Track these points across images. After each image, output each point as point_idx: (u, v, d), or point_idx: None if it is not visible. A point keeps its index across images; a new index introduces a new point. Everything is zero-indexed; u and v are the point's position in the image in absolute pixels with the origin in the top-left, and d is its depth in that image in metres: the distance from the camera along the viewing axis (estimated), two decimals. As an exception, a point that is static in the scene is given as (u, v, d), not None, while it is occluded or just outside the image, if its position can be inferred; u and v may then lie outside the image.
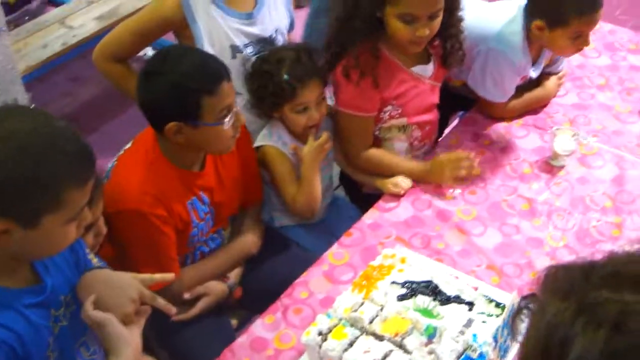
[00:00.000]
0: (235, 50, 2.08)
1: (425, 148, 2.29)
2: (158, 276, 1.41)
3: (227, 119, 1.71)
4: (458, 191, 2.16)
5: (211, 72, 1.69)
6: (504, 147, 2.33)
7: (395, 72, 2.09)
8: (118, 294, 1.33)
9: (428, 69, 2.15)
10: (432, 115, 2.29)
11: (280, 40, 2.17)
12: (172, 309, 1.40)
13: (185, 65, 1.67)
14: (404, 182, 2.14)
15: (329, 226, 2.25)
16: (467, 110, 2.51)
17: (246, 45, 2.09)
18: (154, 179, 1.75)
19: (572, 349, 0.73)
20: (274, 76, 2.02)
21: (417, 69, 2.13)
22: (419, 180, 2.15)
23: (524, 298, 0.84)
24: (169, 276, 1.45)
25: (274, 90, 2.04)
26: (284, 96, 2.04)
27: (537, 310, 0.79)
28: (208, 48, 2.02)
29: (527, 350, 0.79)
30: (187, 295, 1.93)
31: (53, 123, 1.22)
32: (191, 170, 1.84)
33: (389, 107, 2.13)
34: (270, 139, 2.12)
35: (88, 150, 1.25)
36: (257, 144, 2.12)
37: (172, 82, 1.66)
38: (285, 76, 1.99)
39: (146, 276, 1.39)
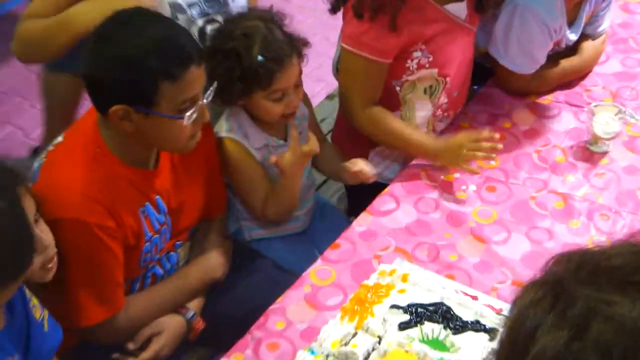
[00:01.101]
0: (176, 9, 2.05)
1: (445, 122, 2.31)
2: None
3: (188, 114, 1.69)
4: (473, 187, 2.13)
5: (178, 51, 1.66)
6: (530, 130, 2.31)
7: (425, 7, 2.07)
8: None
9: (462, 8, 2.14)
10: (466, 73, 2.27)
11: (235, 1, 2.16)
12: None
13: (147, 37, 1.64)
14: (367, 166, 2.11)
15: (311, 237, 2.25)
16: (481, 84, 2.49)
17: (191, 5, 2.07)
18: (97, 179, 1.73)
19: (536, 344, 0.82)
20: (242, 57, 1.97)
21: (451, 7, 2.12)
22: (427, 159, 2.16)
23: None
24: None
25: (243, 75, 1.97)
26: (258, 82, 1.98)
27: (518, 294, 0.88)
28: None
29: (501, 336, 0.89)
30: (131, 346, 1.87)
31: None
32: (144, 168, 1.83)
33: (418, 54, 2.12)
34: (230, 131, 2.08)
35: None
36: (218, 134, 2.10)
37: (126, 55, 1.63)
38: (260, 57, 1.96)
39: None
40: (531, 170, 2.17)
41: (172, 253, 1.98)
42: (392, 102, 2.19)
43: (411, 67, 2.14)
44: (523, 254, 1.94)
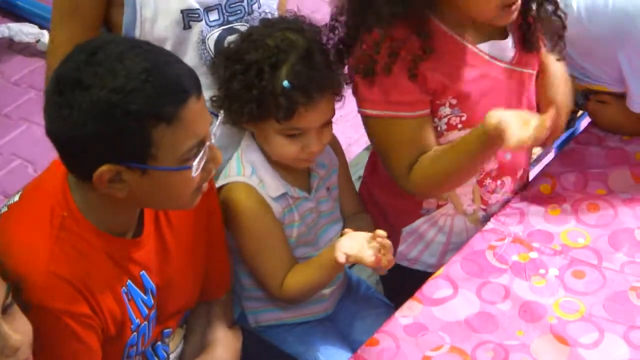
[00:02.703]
0: (189, 16, 2.09)
1: (502, 192, 2.29)
2: None
3: (196, 161, 1.68)
4: (555, 272, 2.10)
5: (169, 83, 1.64)
6: (632, 200, 2.28)
7: (454, 50, 2.09)
8: None
9: (505, 47, 2.15)
10: None
11: (261, 7, 2.17)
12: None
13: (126, 72, 1.61)
14: (364, 251, 1.97)
15: (338, 324, 2.26)
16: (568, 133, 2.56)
17: (208, 10, 2.11)
18: (65, 251, 1.71)
19: None
20: (265, 75, 1.98)
21: (489, 47, 2.13)
22: (487, 148, 2.01)
23: None
24: None
25: (259, 98, 1.98)
26: (275, 112, 1.99)
27: None
28: (145, 14, 2.06)
29: None
30: None
31: None
32: (124, 237, 1.81)
33: (447, 110, 2.12)
34: (243, 174, 2.09)
35: None
36: (220, 182, 2.11)
37: (104, 100, 1.60)
38: (286, 83, 1.96)
39: None
40: (632, 252, 2.15)
41: (159, 344, 1.98)
42: None
43: (440, 128, 2.14)
44: (620, 363, 1.93)
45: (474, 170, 2.13)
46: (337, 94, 2.06)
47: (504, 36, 2.14)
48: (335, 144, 2.21)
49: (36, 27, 4.42)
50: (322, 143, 2.06)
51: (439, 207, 2.27)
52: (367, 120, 2.13)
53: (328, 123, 2.06)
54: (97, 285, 1.74)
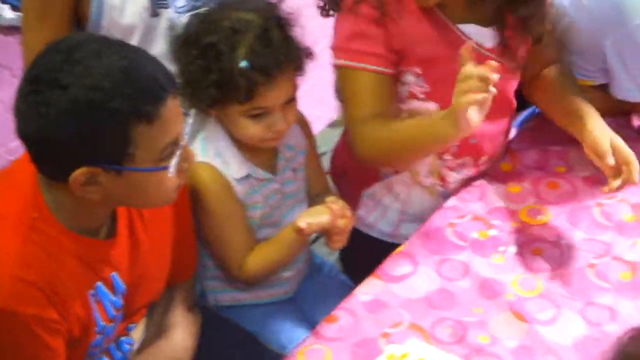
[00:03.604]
0: (157, 3, 2.11)
1: (463, 172, 2.29)
2: None
3: (173, 161, 1.68)
4: (513, 249, 2.12)
5: (149, 82, 1.63)
6: (591, 178, 2.29)
7: (427, 17, 2.07)
8: None
9: (484, 34, 2.14)
10: (491, 119, 2.19)
11: None
12: None
13: (104, 70, 1.59)
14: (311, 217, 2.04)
15: (299, 303, 2.26)
16: (529, 111, 2.57)
17: None
18: (34, 254, 1.69)
19: None
20: (223, 57, 1.97)
21: (468, 29, 2.12)
22: (450, 136, 1.97)
23: None
24: None
25: (219, 80, 1.97)
26: (236, 94, 1.98)
27: None
28: (112, 2, 2.06)
29: None
30: None
31: None
32: (96, 238, 1.79)
33: (410, 77, 2.13)
34: (206, 155, 2.08)
35: None
36: None
37: (83, 99, 1.57)
38: (243, 62, 1.95)
39: None
40: (590, 230, 2.17)
41: (122, 339, 1.97)
42: None
43: (401, 93, 2.16)
44: (576, 339, 1.93)
45: (424, 151, 2.13)
46: (298, 70, 2.05)
47: (487, 22, 2.13)
48: (304, 125, 2.20)
49: (-4, 1, 4.39)
50: (288, 120, 2.05)
51: (396, 173, 2.29)
52: (336, 70, 2.15)
53: (291, 100, 2.05)
54: (65, 288, 1.73)
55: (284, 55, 1.98)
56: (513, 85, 2.28)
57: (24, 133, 1.65)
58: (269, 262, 2.10)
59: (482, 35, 2.13)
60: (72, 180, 1.62)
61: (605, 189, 2.06)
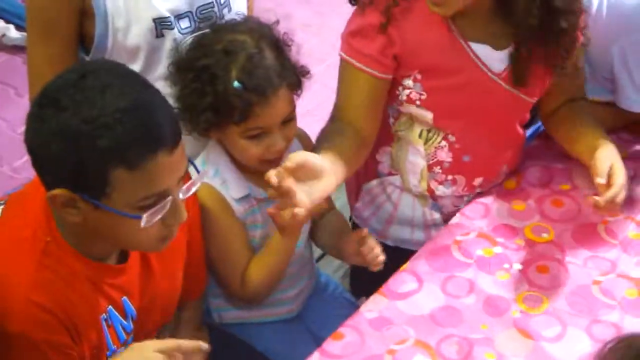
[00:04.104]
0: (161, 24, 2.10)
1: (452, 188, 2.28)
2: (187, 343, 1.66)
3: (148, 213, 1.63)
4: (518, 266, 2.12)
5: (143, 130, 1.60)
6: (596, 195, 2.21)
7: (436, 26, 2.06)
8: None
9: (497, 58, 2.11)
10: (494, 141, 2.22)
11: (232, 11, 2.18)
12: (204, 345, 1.66)
13: (105, 105, 1.58)
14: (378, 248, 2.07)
15: (305, 320, 2.26)
16: (533, 128, 2.54)
17: (180, 17, 2.12)
18: (48, 279, 1.68)
19: None
20: (217, 79, 1.96)
21: (480, 49, 2.10)
22: None
23: None
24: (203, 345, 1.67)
25: (214, 103, 1.97)
26: (230, 115, 1.97)
27: None
28: (117, 24, 2.06)
29: None
30: None
31: None
32: (106, 263, 1.78)
33: (409, 82, 2.12)
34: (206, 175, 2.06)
35: None
36: None
37: (72, 128, 1.57)
38: (236, 83, 1.95)
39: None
40: (595, 247, 2.17)
41: None
42: (383, 132, 2.19)
43: (400, 97, 2.15)
44: (582, 356, 1.92)
45: None
46: (294, 89, 2.04)
47: (501, 47, 2.11)
48: (304, 140, 2.19)
49: (1, 21, 4.38)
50: (287, 139, 2.04)
51: (389, 174, 2.29)
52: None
53: (290, 119, 2.04)
54: (78, 313, 1.72)
55: (277, 74, 1.98)
56: (522, 117, 2.27)
57: (25, 139, 1.65)
58: (267, 273, 2.07)
59: (492, 57, 2.11)
60: (49, 197, 1.62)
61: (589, 198, 2.04)
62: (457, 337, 1.96)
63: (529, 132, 2.73)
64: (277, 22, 2.09)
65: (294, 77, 2.03)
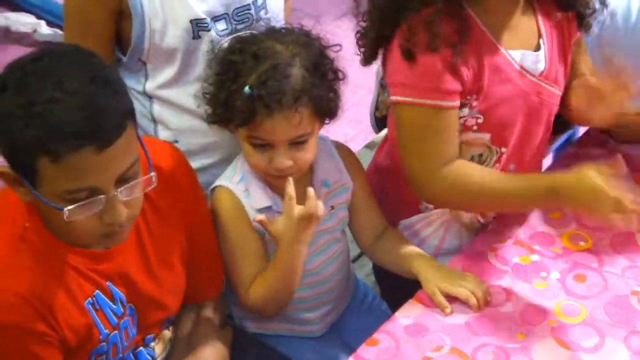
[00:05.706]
0: (198, 26, 2.11)
1: None
2: None
3: (72, 207, 1.62)
4: (556, 275, 2.10)
5: (69, 124, 1.56)
6: (635, 203, 2.18)
7: (484, 49, 2.03)
8: None
9: (535, 59, 2.11)
10: (536, 145, 2.22)
11: (269, 13, 2.19)
12: None
13: (38, 91, 1.57)
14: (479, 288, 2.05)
15: (342, 333, 2.26)
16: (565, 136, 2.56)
17: (215, 19, 2.13)
18: (25, 266, 1.70)
19: None
20: (238, 78, 1.96)
21: (519, 54, 2.08)
22: (551, 206, 2.10)
23: None
24: None
25: (225, 100, 1.98)
26: (234, 115, 1.97)
27: None
28: (154, 25, 2.08)
29: None
30: None
31: None
32: (90, 249, 1.78)
33: (465, 111, 2.07)
34: (231, 180, 2.09)
35: None
36: (214, 184, 2.11)
37: (9, 109, 1.57)
38: (247, 89, 1.93)
39: None
40: (633, 257, 2.15)
41: (141, 349, 1.96)
42: None
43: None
44: (620, 367, 1.94)
45: (510, 209, 2.18)
46: (316, 114, 1.99)
47: (536, 47, 2.11)
48: (350, 162, 2.16)
49: (33, 17, 4.41)
50: (295, 160, 1.99)
51: (436, 207, 2.25)
52: (399, 109, 2.06)
53: (301, 142, 1.99)
54: (56, 299, 1.73)
55: (294, 94, 1.92)
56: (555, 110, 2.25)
57: None
58: (267, 288, 2.02)
59: (532, 60, 2.10)
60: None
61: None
62: (493, 345, 1.95)
63: (560, 139, 2.72)
64: (340, 47, 2.06)
65: (323, 103, 1.98)
